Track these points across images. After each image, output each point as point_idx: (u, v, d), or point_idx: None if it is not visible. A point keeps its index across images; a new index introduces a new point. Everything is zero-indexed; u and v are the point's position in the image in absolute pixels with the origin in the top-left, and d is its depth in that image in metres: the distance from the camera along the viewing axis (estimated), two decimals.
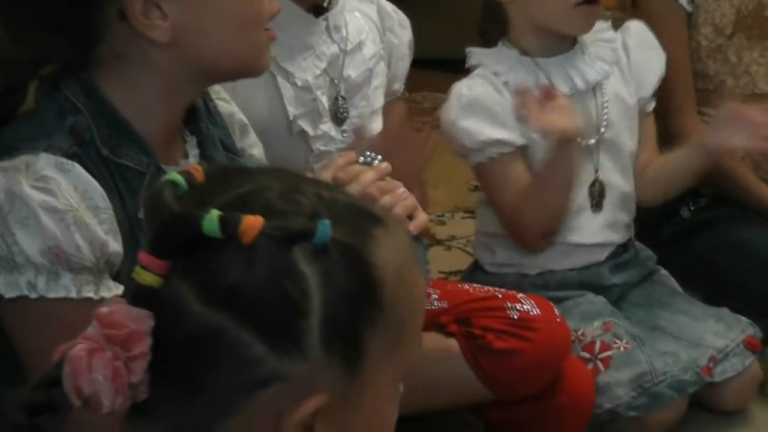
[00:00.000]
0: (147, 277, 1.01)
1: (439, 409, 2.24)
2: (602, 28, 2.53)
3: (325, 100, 2.18)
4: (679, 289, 2.60)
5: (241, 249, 1.00)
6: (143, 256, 1.02)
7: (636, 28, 2.57)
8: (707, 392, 2.41)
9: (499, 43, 2.49)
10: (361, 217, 1.09)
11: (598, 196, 2.49)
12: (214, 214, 0.99)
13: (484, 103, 2.41)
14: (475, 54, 2.49)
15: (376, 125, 2.25)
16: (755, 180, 2.76)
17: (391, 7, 2.36)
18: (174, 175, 1.05)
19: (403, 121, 2.40)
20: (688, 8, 2.71)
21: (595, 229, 2.51)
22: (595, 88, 2.49)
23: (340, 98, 2.20)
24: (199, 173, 1.07)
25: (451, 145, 2.47)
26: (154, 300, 1.01)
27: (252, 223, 0.99)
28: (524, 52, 2.47)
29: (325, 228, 1.01)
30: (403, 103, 2.40)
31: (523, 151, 2.44)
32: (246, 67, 1.67)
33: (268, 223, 1.00)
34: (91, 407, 1.00)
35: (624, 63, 2.54)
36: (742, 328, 2.47)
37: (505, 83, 2.44)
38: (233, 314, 1.01)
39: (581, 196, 2.46)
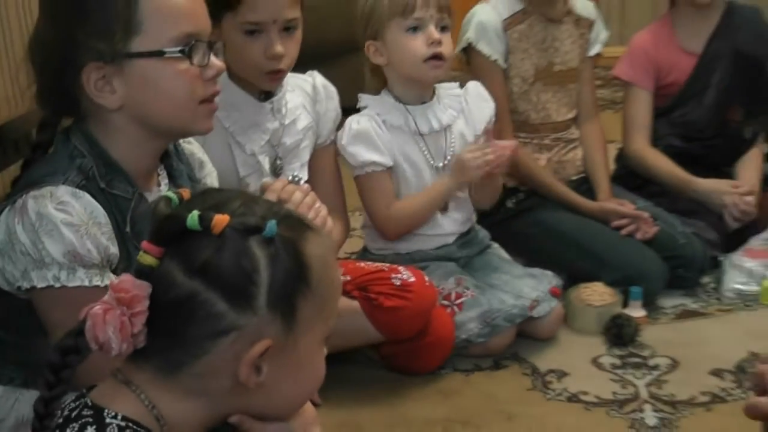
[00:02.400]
0: (147, 259, 1.06)
1: (348, 349, 2.24)
2: (453, 86, 2.52)
3: (266, 162, 2.19)
4: (507, 257, 2.62)
5: (213, 237, 1.05)
6: (145, 244, 1.07)
7: (473, 86, 2.55)
8: (529, 326, 2.45)
9: (382, 92, 2.47)
10: (299, 223, 1.13)
11: (445, 203, 2.51)
12: (195, 213, 1.05)
13: (366, 134, 2.38)
14: (364, 99, 2.46)
15: (304, 173, 2.26)
16: (553, 180, 2.82)
17: (322, 83, 2.33)
18: (169, 193, 1.10)
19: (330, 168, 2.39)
20: (503, 66, 2.75)
21: (444, 225, 2.51)
22: (446, 129, 2.48)
23: (278, 159, 2.21)
24: (186, 193, 1.12)
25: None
26: (151, 275, 1.06)
27: (221, 219, 1.05)
28: (398, 100, 2.44)
29: (272, 225, 1.06)
30: (331, 150, 2.39)
31: (390, 171, 2.43)
32: (187, 131, 1.65)
33: (232, 220, 1.06)
34: (104, 350, 1.05)
35: (467, 111, 2.51)
36: (549, 280, 2.50)
37: (384, 121, 2.41)
38: (205, 281, 1.06)
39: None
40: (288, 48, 2.09)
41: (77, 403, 1.10)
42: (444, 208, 2.51)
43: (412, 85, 2.44)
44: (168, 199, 1.09)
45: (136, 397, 1.09)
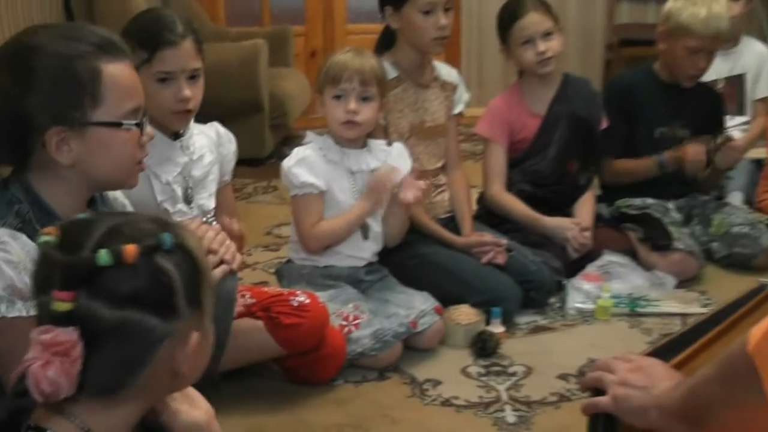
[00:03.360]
0: (62, 306, 1.00)
1: (255, 362, 2.26)
2: (382, 143, 2.61)
3: (179, 191, 2.20)
4: (397, 282, 2.65)
5: (127, 267, 1.02)
6: (56, 293, 1.00)
7: (398, 146, 2.62)
8: (414, 339, 2.48)
9: (325, 134, 2.54)
10: (173, 226, 1.12)
11: (366, 231, 2.56)
12: (103, 252, 1.00)
13: (309, 160, 2.46)
14: (310, 136, 2.55)
15: (211, 202, 2.28)
16: (426, 218, 2.83)
17: (223, 130, 2.36)
18: (42, 237, 1.06)
19: (230, 199, 2.43)
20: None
21: (363, 249, 2.58)
22: (372, 172, 2.53)
23: (189, 188, 2.22)
24: (55, 230, 1.06)
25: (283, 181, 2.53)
26: (72, 318, 1.01)
27: (131, 249, 1.02)
28: (338, 143, 2.52)
29: (168, 237, 1.06)
30: (230, 186, 2.43)
31: (322, 195, 2.48)
32: (120, 186, 1.68)
33: (138, 246, 1.02)
34: (52, 397, 1.01)
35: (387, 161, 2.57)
36: (432, 301, 2.55)
37: (324, 155, 2.49)
38: (133, 307, 1.03)
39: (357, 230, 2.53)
40: (194, 92, 2.15)
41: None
42: (366, 236, 2.57)
43: (340, 136, 2.53)
44: (46, 242, 1.04)
45: (69, 421, 1.05)
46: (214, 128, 2.36)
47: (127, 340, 1.04)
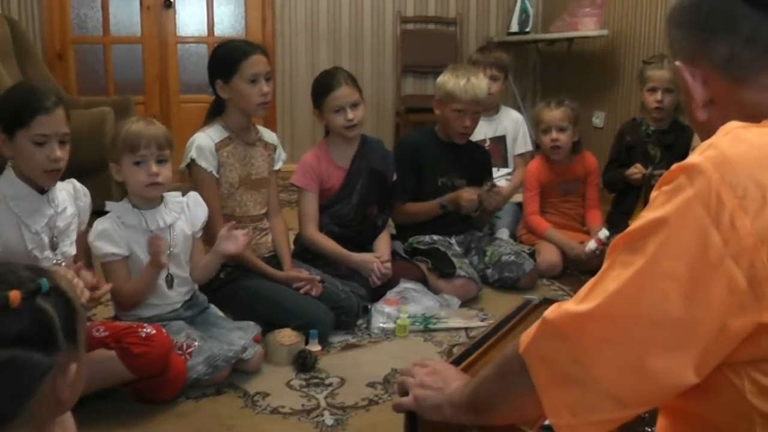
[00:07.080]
0: None
1: (108, 387, 2.19)
2: (177, 194, 2.54)
3: (46, 239, 2.16)
4: (221, 314, 2.62)
5: (11, 310, 0.99)
6: None
7: (193, 195, 2.57)
8: (241, 364, 2.44)
9: (124, 199, 2.44)
10: (48, 272, 1.09)
11: (171, 282, 2.48)
12: None
13: (107, 232, 2.35)
14: (109, 205, 2.42)
15: (73, 249, 2.25)
16: (252, 256, 2.82)
17: (79, 186, 2.34)
18: None
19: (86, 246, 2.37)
20: (216, 176, 2.76)
21: (172, 297, 2.49)
22: (170, 227, 2.47)
23: (54, 237, 2.18)
24: None
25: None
26: None
27: (15, 294, 0.99)
28: (135, 206, 2.42)
29: (45, 282, 1.04)
30: (85, 234, 2.35)
31: (126, 259, 2.39)
32: None
33: (21, 292, 1.00)
34: None
35: (187, 214, 2.53)
36: (252, 330, 2.50)
37: (123, 222, 2.38)
38: (20, 346, 1.00)
39: (162, 281, 2.44)
40: (63, 155, 2.14)
41: None
42: (170, 286, 2.50)
43: (142, 197, 2.44)
44: None
45: None
46: (72, 184, 2.33)
47: (15, 375, 1.00)
